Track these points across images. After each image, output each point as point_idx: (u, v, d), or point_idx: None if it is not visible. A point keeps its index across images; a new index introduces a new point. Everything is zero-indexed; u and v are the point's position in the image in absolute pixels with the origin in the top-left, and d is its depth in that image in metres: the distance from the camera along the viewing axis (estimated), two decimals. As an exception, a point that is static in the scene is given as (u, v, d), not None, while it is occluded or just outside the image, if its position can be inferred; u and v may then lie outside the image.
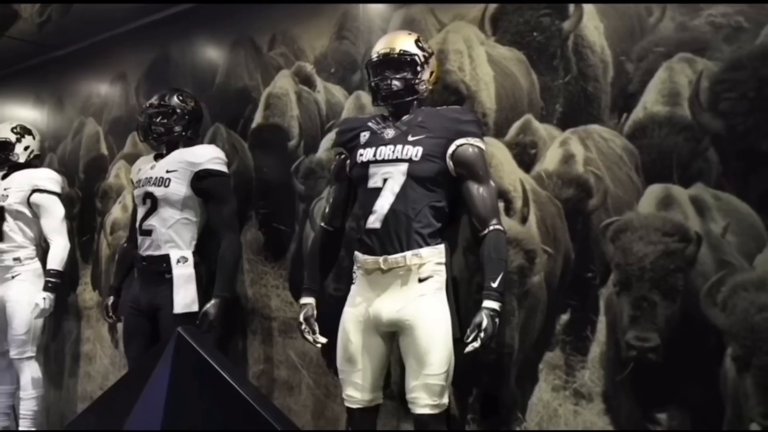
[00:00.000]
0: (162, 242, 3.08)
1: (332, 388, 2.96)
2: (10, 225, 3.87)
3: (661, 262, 2.23)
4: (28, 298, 3.81)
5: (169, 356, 2.64)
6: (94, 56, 4.19)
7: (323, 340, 2.58)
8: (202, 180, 3.07)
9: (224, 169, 3.12)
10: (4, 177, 3.99)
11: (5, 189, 3.90)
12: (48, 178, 3.91)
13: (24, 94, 4.68)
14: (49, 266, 3.81)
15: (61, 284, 3.85)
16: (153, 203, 3.11)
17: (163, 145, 3.22)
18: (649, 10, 2.30)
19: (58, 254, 3.83)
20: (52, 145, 4.33)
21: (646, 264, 2.26)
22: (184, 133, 3.21)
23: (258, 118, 3.33)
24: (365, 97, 2.96)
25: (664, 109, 2.26)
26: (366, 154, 2.47)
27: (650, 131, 2.30)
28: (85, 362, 4.04)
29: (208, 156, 3.10)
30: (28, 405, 3.85)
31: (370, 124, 2.55)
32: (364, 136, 2.53)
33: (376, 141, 2.48)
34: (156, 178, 3.11)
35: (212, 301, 2.99)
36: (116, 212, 3.94)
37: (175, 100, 3.20)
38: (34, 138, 4.05)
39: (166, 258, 3.07)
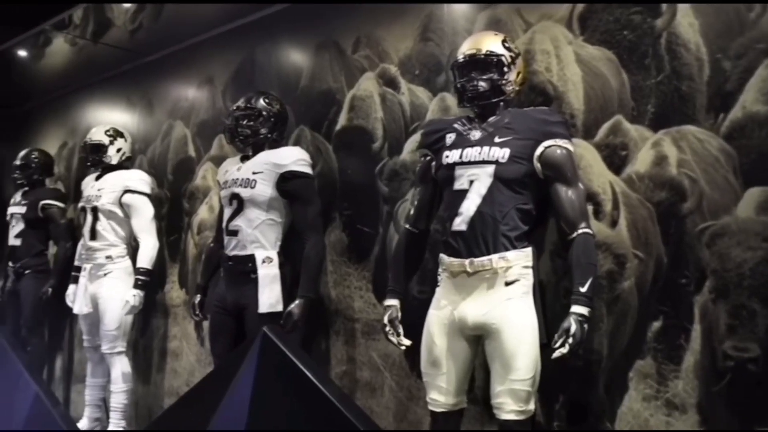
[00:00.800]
0: (248, 242, 3.14)
1: (415, 390, 2.96)
2: (102, 224, 4.02)
3: (762, 268, 2.14)
4: (119, 295, 3.95)
5: (255, 355, 2.68)
6: (183, 61, 4.31)
7: (407, 342, 2.58)
8: (287, 181, 3.11)
9: (309, 170, 3.15)
10: (98, 178, 4.14)
11: (99, 190, 4.05)
12: (139, 179, 4.04)
13: (116, 99, 4.85)
14: (139, 264, 3.94)
15: (150, 282, 3.97)
16: (239, 204, 3.17)
17: (249, 147, 3.27)
18: (749, 5, 2.20)
19: (148, 253, 3.95)
20: (142, 147, 4.47)
21: (745, 270, 2.17)
22: (269, 136, 3.26)
23: (342, 121, 3.35)
24: (450, 99, 2.94)
25: (764, 108, 2.17)
26: (452, 156, 2.46)
27: (749, 131, 2.21)
28: (172, 358, 4.15)
29: (294, 158, 3.14)
30: (118, 398, 3.98)
31: (456, 125, 2.53)
32: (450, 137, 2.52)
33: (462, 142, 2.46)
34: (242, 179, 3.17)
35: (297, 302, 3.02)
36: (203, 213, 4.03)
37: (261, 102, 3.26)
38: (126, 140, 4.19)
39: (251, 258, 3.12)
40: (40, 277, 4.83)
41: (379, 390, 3.07)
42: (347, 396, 2.53)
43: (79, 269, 4.29)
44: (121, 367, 3.98)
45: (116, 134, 4.16)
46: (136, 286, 3.91)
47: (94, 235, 4.03)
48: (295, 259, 3.16)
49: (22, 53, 5.41)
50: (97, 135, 4.12)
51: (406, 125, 3.11)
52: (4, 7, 5.16)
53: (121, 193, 4.00)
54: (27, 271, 4.83)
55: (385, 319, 2.60)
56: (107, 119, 4.81)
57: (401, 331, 2.58)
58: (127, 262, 4.06)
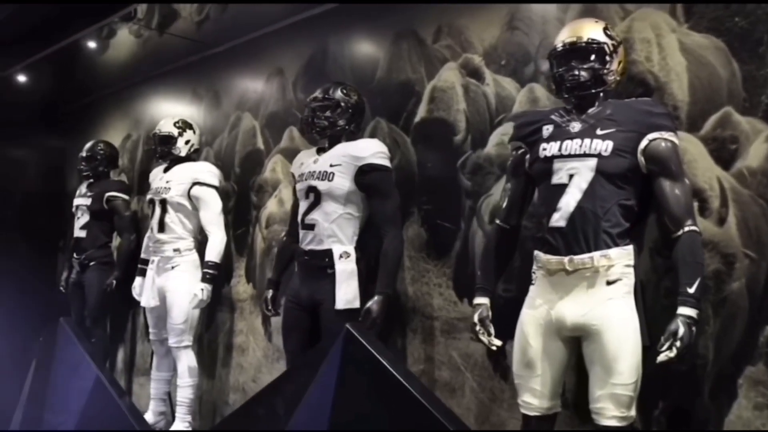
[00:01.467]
0: (324, 237, 3.07)
1: (498, 392, 2.85)
2: (171, 217, 3.98)
3: None
4: (186, 288, 3.91)
5: (338, 352, 2.60)
6: (251, 52, 4.25)
7: (498, 342, 2.49)
8: (365, 174, 3.02)
9: (388, 163, 3.06)
10: (166, 170, 4.11)
11: (167, 182, 4.02)
12: (208, 171, 4.00)
13: (181, 91, 4.82)
14: (207, 258, 3.89)
15: (218, 276, 3.92)
16: (316, 197, 3.10)
17: (326, 139, 3.20)
18: None
19: (216, 246, 3.91)
20: (209, 139, 4.42)
21: None
22: (347, 127, 3.18)
23: (422, 112, 3.25)
24: (539, 90, 2.83)
25: None
26: (550, 149, 2.35)
27: None
28: (238, 353, 4.10)
29: (372, 150, 3.05)
30: (184, 393, 3.95)
31: (553, 117, 2.43)
32: (547, 129, 2.41)
33: (561, 135, 2.36)
34: (320, 172, 3.10)
35: (375, 298, 2.94)
36: (272, 206, 3.97)
37: (339, 93, 3.18)
38: (194, 132, 4.15)
39: (328, 253, 3.05)
40: (105, 269, 4.82)
41: (460, 391, 2.97)
42: (435, 396, 2.44)
43: (145, 262, 4.27)
44: (187, 361, 3.95)
45: (185, 126, 4.12)
46: (204, 279, 3.87)
47: (162, 227, 3.99)
48: (370, 254, 3.08)
49: (87, 46, 5.40)
50: (167, 126, 4.09)
51: (491, 117, 3.00)
52: (69, 1, 5.17)
53: (190, 185, 3.96)
54: (91, 263, 4.83)
55: (475, 318, 2.50)
56: (172, 111, 4.77)
57: (492, 330, 2.49)
58: (195, 255, 4.02)
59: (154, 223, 4.02)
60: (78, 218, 4.95)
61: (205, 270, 3.88)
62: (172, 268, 3.97)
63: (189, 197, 3.97)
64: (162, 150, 4.09)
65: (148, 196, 4.13)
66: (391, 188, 3.07)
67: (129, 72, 5.31)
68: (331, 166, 3.09)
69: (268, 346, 3.90)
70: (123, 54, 5.27)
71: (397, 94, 3.38)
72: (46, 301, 5.93)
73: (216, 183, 4.00)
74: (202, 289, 3.84)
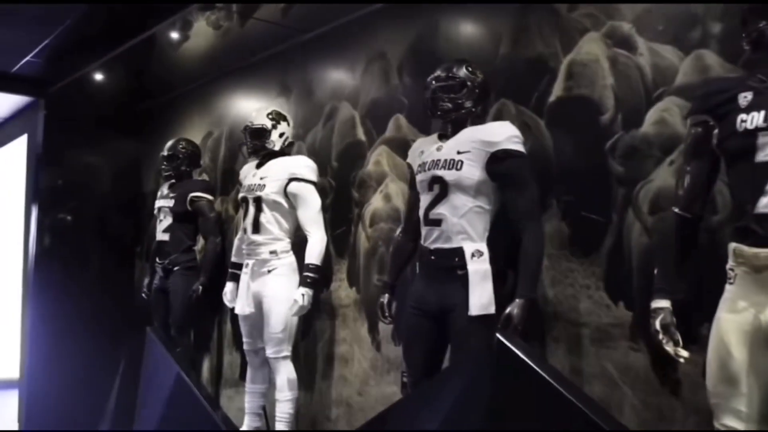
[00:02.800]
0: (453, 233, 2.70)
1: (667, 410, 2.44)
2: (266, 216, 3.67)
3: None
4: (285, 293, 3.60)
5: (487, 366, 2.28)
6: (347, 36, 3.93)
7: (685, 353, 2.08)
8: (499, 162, 2.66)
9: (523, 149, 2.69)
10: (259, 166, 3.80)
11: (261, 178, 3.71)
12: (305, 166, 3.67)
13: (267, 83, 4.53)
14: (307, 260, 3.57)
15: (319, 280, 3.60)
16: (442, 189, 2.74)
17: (448, 123, 2.84)
18: None
19: (316, 247, 3.58)
20: (300, 133, 4.10)
21: None
22: (473, 110, 2.82)
23: (557, 91, 2.87)
24: (710, 57, 2.41)
25: None
26: (753, 120, 1.95)
27: None
28: (341, 364, 3.76)
29: (506, 134, 2.68)
30: (284, 407, 3.63)
31: (750, 83, 2.01)
32: (745, 97, 2.00)
33: (765, 103, 1.94)
34: (446, 160, 2.74)
35: (516, 302, 2.57)
36: (376, 202, 3.62)
37: (463, 71, 2.82)
38: (288, 124, 3.83)
39: (458, 252, 2.68)
40: (189, 274, 4.55)
41: (617, 408, 2.56)
42: (605, 410, 2.07)
43: (237, 266, 3.97)
44: (286, 373, 3.62)
45: (279, 117, 3.80)
46: (304, 284, 3.54)
47: (257, 228, 3.68)
48: (497, 251, 2.70)
49: (162, 41, 5.13)
50: (260, 118, 3.77)
51: (647, 92, 2.59)
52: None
53: (287, 181, 3.64)
54: (176, 268, 4.56)
55: (657, 325, 2.11)
56: (258, 105, 4.49)
57: (679, 338, 2.08)
58: (292, 257, 3.70)
59: (248, 223, 3.71)
60: (160, 221, 4.69)
61: (306, 274, 3.55)
62: (269, 271, 3.65)
63: (285, 194, 3.65)
64: (254, 144, 3.77)
65: (240, 195, 3.82)
66: (528, 177, 2.69)
67: (208, 66, 5.03)
68: (458, 153, 2.73)
69: (377, 357, 3.55)
70: (201, 47, 4.98)
71: (526, 72, 3.00)
72: (125, 308, 5.73)
73: (314, 178, 3.67)
74: (303, 295, 3.52)
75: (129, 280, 5.89)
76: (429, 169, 2.80)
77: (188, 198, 4.56)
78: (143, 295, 4.91)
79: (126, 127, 6.01)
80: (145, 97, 5.80)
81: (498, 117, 3.02)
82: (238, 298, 3.78)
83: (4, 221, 6.97)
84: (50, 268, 5.76)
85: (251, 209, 3.71)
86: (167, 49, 5.13)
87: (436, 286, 2.76)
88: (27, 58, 5.62)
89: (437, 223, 2.75)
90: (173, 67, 5.28)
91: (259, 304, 3.67)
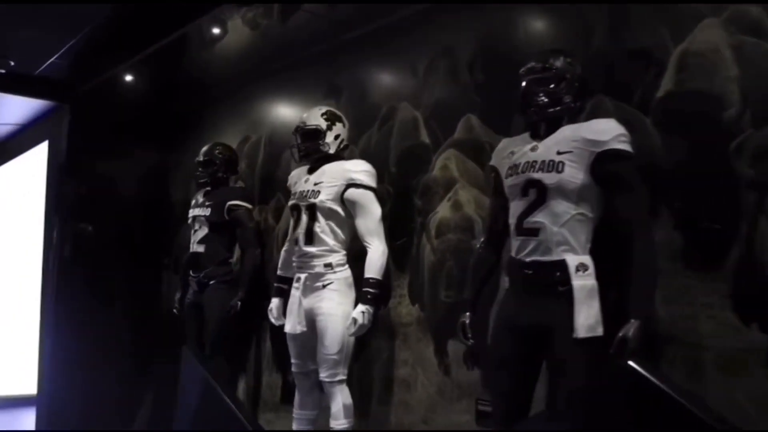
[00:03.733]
0: (553, 244, 2.38)
1: (814, 449, 2.10)
2: (321, 226, 3.34)
3: None
4: (341, 311, 3.28)
5: (619, 396, 1.98)
6: (406, 32, 3.62)
7: None
8: (605, 164, 2.35)
9: (632, 149, 2.37)
10: (312, 170, 3.47)
11: (315, 184, 3.38)
12: (364, 171, 3.35)
13: (314, 84, 4.21)
14: (367, 274, 3.24)
15: (380, 296, 3.27)
16: (540, 194, 2.42)
17: (542, 121, 2.52)
18: None
19: (377, 260, 3.25)
20: (352, 136, 3.76)
21: None
22: (573, 105, 2.51)
23: (667, 85, 2.54)
24: None
25: None
26: None
27: None
28: (402, 389, 3.42)
29: (613, 132, 2.36)
30: (339, 436, 3.29)
31: None
32: None
33: None
34: (544, 161, 2.42)
35: (632, 322, 2.23)
36: (444, 211, 3.29)
37: (561, 62, 2.52)
38: (344, 126, 3.51)
39: (560, 265, 2.36)
40: (226, 289, 4.23)
41: (750, 446, 2.22)
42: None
43: (283, 280, 3.66)
44: (342, 399, 3.28)
45: (334, 118, 3.48)
46: (364, 300, 3.21)
47: (310, 238, 3.35)
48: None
49: (195, 41, 4.85)
50: (313, 118, 3.45)
51: (783, 83, 2.27)
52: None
53: (344, 187, 3.32)
54: (211, 282, 4.23)
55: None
56: (300, 109, 4.18)
57: None
58: (348, 271, 3.37)
59: (300, 233, 3.38)
60: (195, 231, 4.36)
61: (366, 289, 3.22)
62: (324, 286, 3.32)
63: (342, 202, 3.33)
64: (307, 147, 3.45)
65: (291, 202, 3.50)
66: (638, 180, 2.37)
67: (245, 66, 4.73)
68: (558, 153, 2.41)
69: (445, 382, 3.21)
70: (238, 46, 4.68)
71: (627, 65, 2.68)
72: (151, 324, 5.41)
73: (374, 184, 3.35)
74: (363, 312, 3.19)
75: (156, 295, 5.55)
76: (523, 172, 2.48)
77: (226, 206, 4.24)
78: (174, 310, 4.57)
79: (155, 133, 5.70)
80: (175, 100, 5.48)
81: (594, 113, 2.69)
82: (287, 316, 3.45)
83: (24, 232, 6.66)
84: (71, 282, 5.47)
85: (303, 218, 3.39)
86: (200, 50, 4.85)
87: (531, 304, 2.43)
88: (52, 59, 5.33)
89: (534, 232, 2.43)
90: (207, 68, 5.00)
91: (311, 322, 3.34)
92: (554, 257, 2.38)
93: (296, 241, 3.43)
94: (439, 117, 3.41)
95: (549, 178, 2.40)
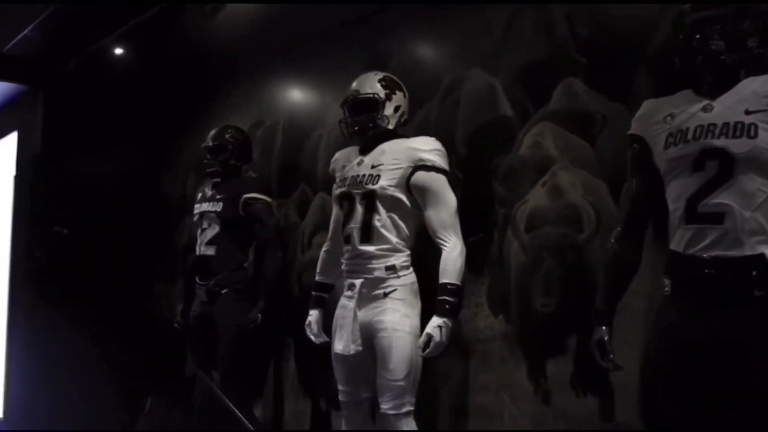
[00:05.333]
0: (744, 234, 1.76)
1: None
2: (381, 218, 2.67)
3: None
4: (409, 325, 2.61)
5: None
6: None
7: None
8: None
9: None
10: (365, 150, 2.80)
11: (373, 167, 2.71)
12: (435, 150, 2.68)
13: (353, 52, 3.53)
14: (443, 279, 2.56)
15: (460, 305, 2.61)
16: (724, 167, 1.80)
17: (714, 74, 1.90)
18: None
19: (455, 261, 2.58)
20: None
21: None
22: (758, 51, 1.89)
23: None
24: None
25: None
26: None
27: None
28: (482, 420, 2.75)
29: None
30: (404, 481, 2.61)
31: None
32: None
33: None
34: (726, 125, 1.81)
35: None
36: (537, 198, 2.65)
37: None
38: (404, 96, 2.84)
39: (758, 262, 1.74)
40: (241, 299, 3.55)
41: None
42: None
43: (323, 287, 3.01)
44: (410, 434, 2.62)
45: (393, 86, 2.80)
46: (441, 311, 2.53)
47: (368, 234, 2.67)
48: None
49: (192, 11, 4.18)
50: (369, 86, 2.76)
51: None
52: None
53: (411, 170, 2.64)
54: (224, 290, 3.55)
55: None
56: (329, 86, 3.53)
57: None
58: (413, 275, 2.70)
59: (354, 229, 2.70)
60: (203, 230, 3.65)
61: (444, 297, 2.55)
62: (385, 295, 2.64)
63: (408, 188, 2.66)
64: (361, 121, 2.77)
65: (340, 190, 2.81)
66: None
67: (255, 38, 4.03)
68: (747, 113, 1.80)
69: (544, 412, 2.55)
70: (245, 14, 4.02)
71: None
72: (139, 341, 4.66)
73: (447, 167, 2.69)
74: (441, 327, 2.52)
75: (144, 307, 4.80)
76: (695, 138, 1.85)
77: (241, 200, 3.55)
78: (176, 324, 3.85)
79: (144, 120, 4.96)
80: (169, 81, 4.75)
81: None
82: (336, 332, 2.76)
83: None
84: (44, 293, 4.73)
85: (358, 209, 2.71)
86: (199, 19, 4.16)
87: (712, 315, 1.80)
88: (22, 33, 4.58)
89: (716, 218, 1.80)
90: (208, 42, 4.31)
91: (369, 340, 2.66)
92: (746, 251, 1.76)
93: (348, 239, 2.75)
94: (526, 84, 2.77)
95: (737, 146, 1.78)
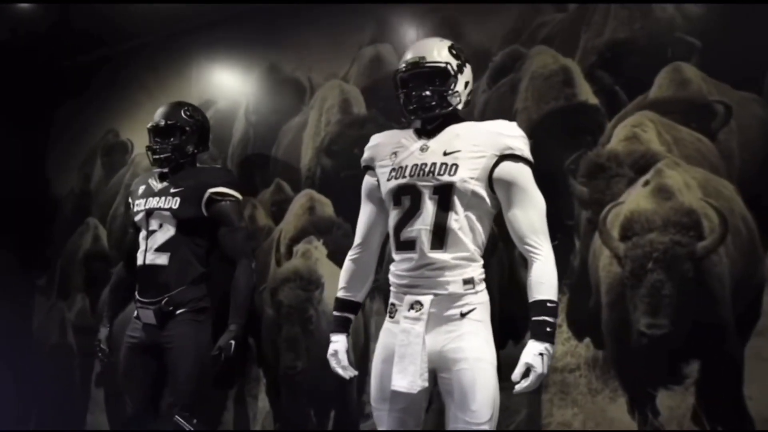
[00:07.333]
0: None
1: None
2: (459, 219, 2.10)
3: None
4: (491, 354, 2.08)
5: None
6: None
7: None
8: None
9: None
10: (427, 134, 2.22)
11: (446, 154, 2.13)
12: (521, 137, 2.15)
13: (353, 23, 2.95)
14: (539, 295, 2.03)
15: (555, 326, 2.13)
16: None
17: None
18: None
19: (551, 274, 2.06)
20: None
21: None
22: None
23: None
24: None
25: None
26: None
27: None
28: (562, 463, 2.30)
29: None
30: None
31: None
32: None
33: None
34: None
35: None
36: (637, 200, 2.24)
37: None
38: (470, 70, 2.31)
39: None
40: (202, 321, 2.80)
41: None
42: None
43: (350, 307, 2.36)
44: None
45: (463, 57, 2.27)
46: (541, 335, 2.01)
47: (441, 239, 2.09)
48: None
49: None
50: (438, 52, 2.19)
51: None
52: None
53: (495, 160, 2.12)
54: (179, 311, 2.76)
55: None
56: (303, 65, 2.93)
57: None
58: (486, 293, 2.17)
59: (421, 231, 2.09)
60: (151, 232, 2.84)
61: (542, 318, 2.02)
62: (462, 315, 2.09)
63: (489, 183, 2.14)
64: (426, 97, 2.18)
65: (398, 182, 2.18)
66: None
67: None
68: None
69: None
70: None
71: None
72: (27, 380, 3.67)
73: (530, 156, 2.20)
74: (542, 355, 2.01)
75: (25, 332, 3.79)
76: None
77: (206, 196, 2.81)
78: (99, 355, 2.99)
79: (28, 99, 3.93)
80: (70, 49, 3.80)
81: None
82: (396, 364, 2.14)
83: None
84: None
85: (428, 207, 2.12)
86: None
87: None
88: None
89: None
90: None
91: (434, 373, 2.09)
92: None
93: (409, 245, 2.15)
94: (615, 67, 2.37)
95: None
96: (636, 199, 2.26)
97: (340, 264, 2.79)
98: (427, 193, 2.14)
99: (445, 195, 2.13)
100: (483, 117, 2.51)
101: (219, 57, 3.42)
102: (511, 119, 2.43)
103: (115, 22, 3.55)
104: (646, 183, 2.25)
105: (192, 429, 2.48)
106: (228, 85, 3.37)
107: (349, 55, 2.95)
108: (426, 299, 2.12)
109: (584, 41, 2.45)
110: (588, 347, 2.31)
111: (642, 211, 2.24)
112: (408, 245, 2.16)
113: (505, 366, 2.08)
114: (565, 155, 2.41)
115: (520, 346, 2.32)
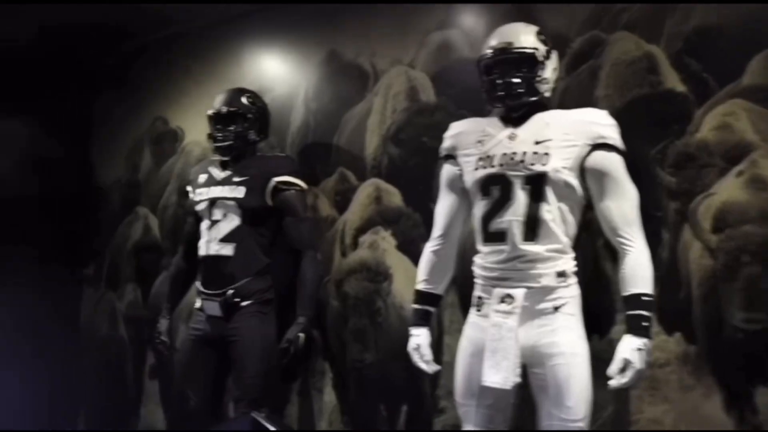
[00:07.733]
0: None
1: None
2: (551, 210, 2.05)
3: None
4: (585, 349, 2.04)
5: None
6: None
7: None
8: None
9: None
10: (514, 122, 2.16)
11: (537, 143, 2.08)
12: (613, 125, 2.10)
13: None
14: (635, 289, 2.00)
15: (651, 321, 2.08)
16: None
17: None
18: None
19: (647, 266, 2.03)
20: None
21: None
22: None
23: None
24: None
25: None
26: None
27: None
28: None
29: None
30: None
31: None
32: None
33: None
34: None
35: None
36: (730, 191, 2.18)
37: None
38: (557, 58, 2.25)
39: None
40: (267, 313, 2.76)
41: None
42: None
43: (432, 299, 2.32)
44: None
45: (550, 44, 2.21)
46: (638, 330, 1.98)
47: (533, 230, 2.05)
48: None
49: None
50: (525, 38, 2.13)
51: None
52: None
53: (587, 149, 2.07)
54: (245, 303, 2.73)
55: None
56: (366, 49, 2.87)
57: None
58: (577, 287, 2.12)
59: (513, 222, 2.06)
60: (214, 223, 2.80)
61: (639, 312, 2.00)
62: (555, 309, 2.05)
63: (581, 173, 2.08)
64: (515, 84, 2.12)
65: (487, 171, 2.12)
66: None
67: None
68: None
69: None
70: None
71: None
72: (63, 372, 3.63)
73: (622, 146, 2.14)
74: (641, 350, 1.97)
75: (72, 325, 3.75)
76: None
77: (270, 185, 2.76)
78: (159, 347, 2.95)
79: (71, 86, 3.88)
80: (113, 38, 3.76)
81: None
82: (486, 360, 2.09)
83: None
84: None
85: (520, 197, 2.07)
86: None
87: None
88: None
89: None
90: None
91: (526, 368, 2.05)
92: None
93: (500, 236, 2.11)
94: (704, 53, 2.31)
95: None
96: (729, 190, 2.21)
97: (409, 255, 2.77)
98: (518, 183, 2.10)
99: (537, 185, 2.09)
100: (563, 104, 2.45)
101: (274, 43, 3.36)
102: (593, 107, 2.39)
103: (155, 8, 3.50)
104: (740, 174, 2.20)
105: (275, 429, 2.43)
106: (284, 72, 3.32)
107: (414, 40, 2.89)
108: (518, 292, 2.08)
109: (669, 27, 2.39)
110: (678, 342, 2.27)
111: (736, 202, 2.19)
112: (498, 236, 2.12)
113: (591, 360, 2.04)
114: (650, 144, 2.35)
115: (605, 340, 2.29)
